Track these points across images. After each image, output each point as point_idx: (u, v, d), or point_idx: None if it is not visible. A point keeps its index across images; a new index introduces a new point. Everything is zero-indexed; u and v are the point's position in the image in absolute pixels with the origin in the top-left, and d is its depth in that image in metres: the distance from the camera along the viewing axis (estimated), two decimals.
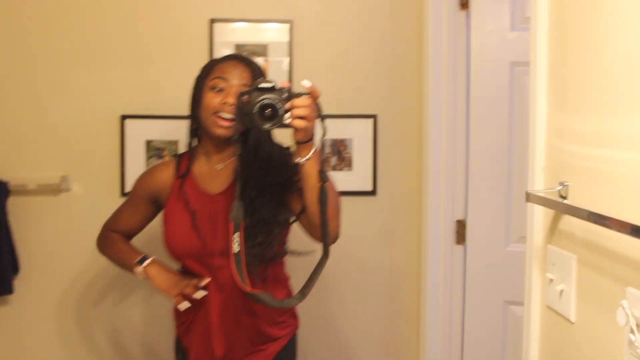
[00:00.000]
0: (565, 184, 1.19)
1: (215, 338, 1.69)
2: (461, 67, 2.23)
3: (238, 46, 2.30)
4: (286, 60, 2.30)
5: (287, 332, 1.79)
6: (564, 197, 1.18)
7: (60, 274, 2.32)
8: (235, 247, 1.46)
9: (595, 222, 1.00)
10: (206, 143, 1.72)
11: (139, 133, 2.30)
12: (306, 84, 1.40)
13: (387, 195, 2.36)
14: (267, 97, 1.38)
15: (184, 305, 1.65)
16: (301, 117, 1.38)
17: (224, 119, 1.60)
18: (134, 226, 1.84)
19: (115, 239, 1.83)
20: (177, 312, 1.76)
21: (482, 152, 2.20)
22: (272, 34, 2.32)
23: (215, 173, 1.71)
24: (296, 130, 1.40)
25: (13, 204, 2.23)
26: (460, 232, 2.25)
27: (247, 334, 1.71)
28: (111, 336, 2.36)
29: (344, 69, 2.34)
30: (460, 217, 2.25)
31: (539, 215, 1.30)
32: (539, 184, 1.30)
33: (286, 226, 1.68)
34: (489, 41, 2.19)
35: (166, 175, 1.76)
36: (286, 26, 2.31)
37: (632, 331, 0.94)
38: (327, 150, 2.31)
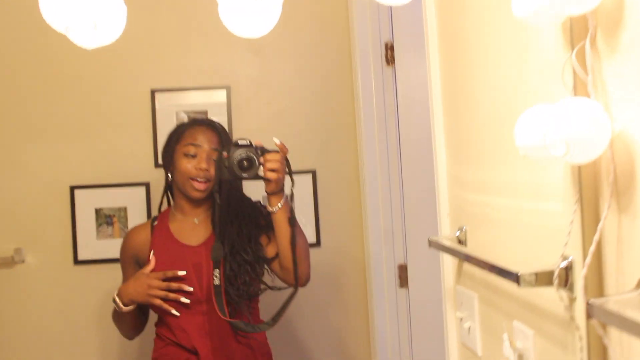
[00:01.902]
0: (464, 228, 1.30)
1: None
2: (391, 118, 2.35)
3: (178, 113, 2.40)
4: (225, 122, 2.40)
5: None
6: (462, 241, 1.29)
7: (20, 344, 2.32)
8: (216, 280, 1.66)
9: (468, 261, 1.12)
10: (180, 201, 1.84)
11: (88, 202, 2.36)
12: (276, 141, 1.62)
13: (331, 246, 2.45)
14: (244, 151, 1.62)
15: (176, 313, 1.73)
16: (272, 170, 1.60)
17: (199, 182, 1.75)
18: None
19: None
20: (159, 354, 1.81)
21: (415, 197, 2.30)
22: (211, 98, 2.44)
23: (193, 227, 1.82)
24: (268, 182, 1.63)
25: None
26: (403, 275, 2.34)
27: None
28: None
29: (282, 128, 2.44)
30: (401, 262, 2.34)
31: (449, 258, 1.40)
32: (446, 230, 1.41)
33: (264, 265, 1.81)
34: (414, 92, 2.32)
35: (143, 235, 1.84)
36: (224, 91, 2.43)
37: None
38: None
